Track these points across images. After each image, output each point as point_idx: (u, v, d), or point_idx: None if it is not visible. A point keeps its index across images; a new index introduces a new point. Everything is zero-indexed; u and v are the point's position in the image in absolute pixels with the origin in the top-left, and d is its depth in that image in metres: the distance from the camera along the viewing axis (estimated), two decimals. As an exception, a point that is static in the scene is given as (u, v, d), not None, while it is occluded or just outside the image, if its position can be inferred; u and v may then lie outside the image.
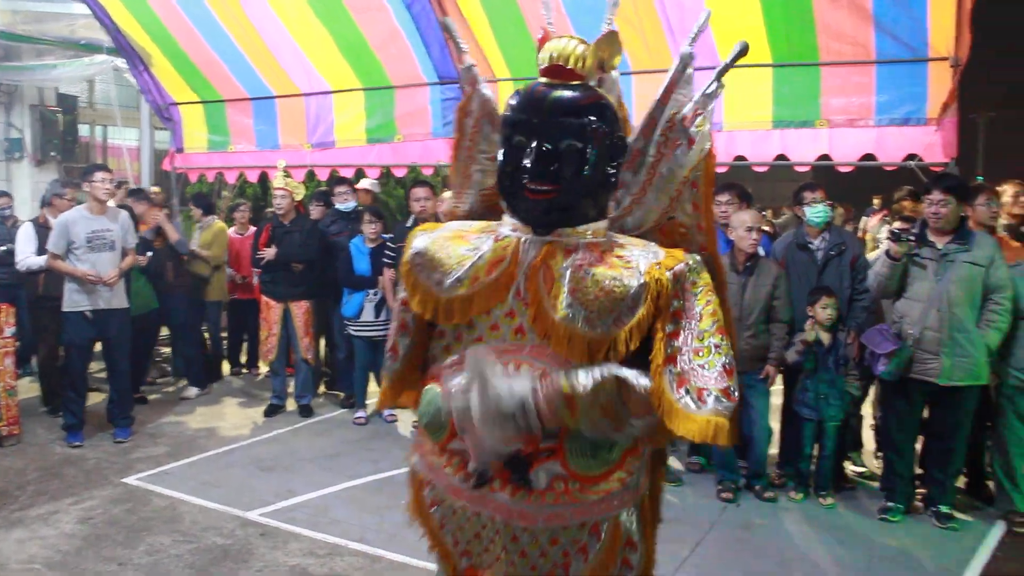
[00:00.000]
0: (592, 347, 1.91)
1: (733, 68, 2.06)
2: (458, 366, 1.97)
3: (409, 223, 6.68)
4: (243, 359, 8.81)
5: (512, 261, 2.00)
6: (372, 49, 7.46)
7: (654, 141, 2.13)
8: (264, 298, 7.19)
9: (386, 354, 2.28)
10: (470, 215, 2.29)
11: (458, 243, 2.07)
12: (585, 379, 1.83)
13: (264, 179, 9.47)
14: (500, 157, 2.02)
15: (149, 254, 7.15)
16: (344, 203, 7.53)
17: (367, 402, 7.04)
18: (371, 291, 6.73)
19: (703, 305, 1.95)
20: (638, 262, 1.95)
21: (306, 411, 7.11)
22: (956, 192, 4.87)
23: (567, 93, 1.97)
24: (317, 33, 7.51)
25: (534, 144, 1.92)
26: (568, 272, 1.94)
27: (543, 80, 2.02)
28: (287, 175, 7.29)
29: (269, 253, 6.93)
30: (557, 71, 2.00)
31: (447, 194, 7.40)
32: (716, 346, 1.93)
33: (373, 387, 7.05)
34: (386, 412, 6.95)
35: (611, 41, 2.05)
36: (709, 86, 2.08)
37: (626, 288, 1.91)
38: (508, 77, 7.03)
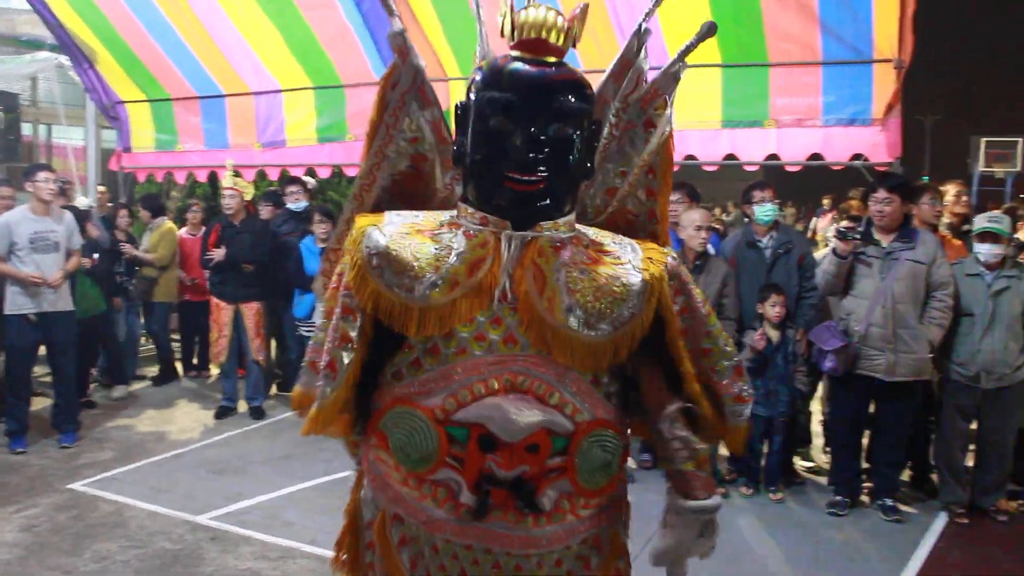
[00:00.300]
0: (594, 353, 1.74)
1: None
2: (440, 383, 1.74)
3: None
4: (194, 361, 8.68)
5: (495, 261, 1.75)
6: (322, 47, 7.41)
7: (606, 121, 1.98)
8: (214, 299, 7.10)
9: (316, 370, 1.89)
10: (378, 202, 2.00)
11: (420, 240, 1.78)
12: (679, 446, 1.80)
13: (214, 179, 9.37)
14: (471, 141, 1.77)
15: (95, 256, 7.02)
16: (295, 203, 7.46)
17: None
18: (323, 292, 6.66)
19: (701, 299, 1.87)
20: (628, 258, 1.81)
21: (258, 413, 7.03)
22: (900, 191, 4.97)
23: (555, 71, 1.75)
24: (266, 30, 7.44)
25: (521, 129, 1.69)
26: (562, 272, 1.74)
27: (516, 54, 1.77)
28: (237, 175, 7.20)
29: (218, 254, 6.85)
30: (538, 46, 1.76)
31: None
32: (725, 344, 1.87)
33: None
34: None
35: (584, 17, 1.84)
36: (673, 65, 1.94)
37: (626, 288, 1.75)
38: (459, 76, 7.03)
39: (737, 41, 5.97)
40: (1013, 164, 13.00)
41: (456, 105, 1.85)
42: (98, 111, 9.15)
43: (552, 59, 1.77)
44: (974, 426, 5.17)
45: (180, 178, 9.57)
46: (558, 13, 1.79)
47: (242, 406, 7.16)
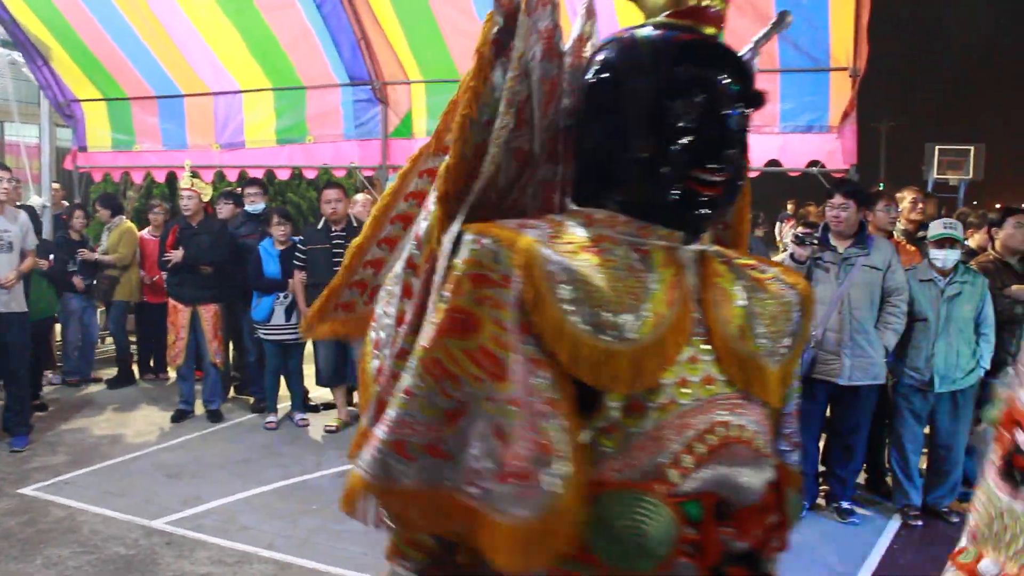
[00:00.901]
0: (781, 382, 1.48)
1: None
2: (651, 449, 1.28)
3: (320, 225, 6.61)
4: (151, 363, 8.56)
5: (683, 285, 1.36)
6: (282, 48, 7.37)
7: None
8: (171, 301, 7.02)
9: (405, 454, 1.28)
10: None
11: (593, 260, 1.31)
12: None
13: (172, 180, 9.26)
14: (636, 130, 1.34)
15: (51, 257, 6.91)
16: (253, 204, 7.40)
17: (277, 406, 6.93)
18: (281, 294, 6.63)
19: None
20: (771, 272, 1.53)
21: (215, 416, 6.95)
22: (856, 197, 5.05)
23: (732, 48, 1.42)
24: (226, 30, 7.38)
25: (712, 117, 1.34)
26: (744, 292, 1.43)
27: (670, 22, 1.39)
28: (195, 175, 7.14)
29: (176, 255, 6.77)
30: (701, 15, 1.39)
31: (359, 196, 7.35)
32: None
33: (283, 391, 6.95)
34: (297, 416, 6.84)
35: None
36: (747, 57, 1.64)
37: (790, 306, 1.49)
38: (420, 79, 7.05)
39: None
40: (966, 171, 13.26)
41: (585, 82, 1.44)
42: (53, 108, 9.00)
43: (713, 30, 1.40)
44: (928, 430, 5.27)
45: (137, 178, 9.45)
46: None
47: (199, 409, 7.08)
